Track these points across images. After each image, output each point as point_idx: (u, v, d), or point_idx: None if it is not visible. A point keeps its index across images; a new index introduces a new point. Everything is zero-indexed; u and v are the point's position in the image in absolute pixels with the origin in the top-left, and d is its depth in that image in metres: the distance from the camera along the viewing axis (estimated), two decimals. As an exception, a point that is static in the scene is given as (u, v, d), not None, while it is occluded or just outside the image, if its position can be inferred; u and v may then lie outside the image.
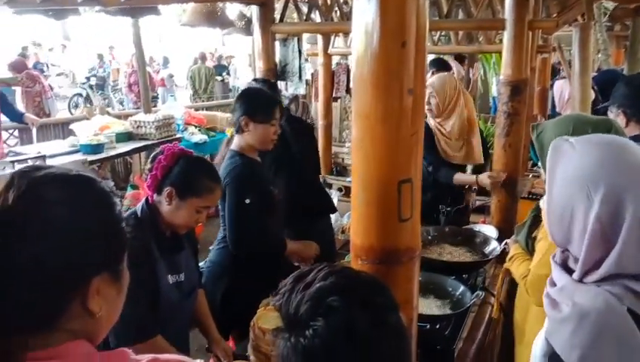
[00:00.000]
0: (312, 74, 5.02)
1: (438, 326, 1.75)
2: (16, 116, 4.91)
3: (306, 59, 4.15)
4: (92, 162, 4.46)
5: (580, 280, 0.90)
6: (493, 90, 7.95)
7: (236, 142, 2.17)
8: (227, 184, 2.03)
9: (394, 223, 1.12)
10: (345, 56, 5.17)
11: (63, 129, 6.09)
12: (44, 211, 0.63)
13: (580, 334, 0.85)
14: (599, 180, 0.86)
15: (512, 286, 1.96)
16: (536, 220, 1.72)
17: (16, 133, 5.88)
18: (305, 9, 3.53)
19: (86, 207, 0.67)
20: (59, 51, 15.85)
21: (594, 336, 0.84)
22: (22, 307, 0.62)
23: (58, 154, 4.47)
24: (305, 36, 4.07)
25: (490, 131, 4.61)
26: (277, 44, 3.19)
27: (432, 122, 2.74)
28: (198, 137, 5.60)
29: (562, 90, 6.00)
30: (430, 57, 4.22)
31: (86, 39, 18.65)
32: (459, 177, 2.74)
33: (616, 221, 0.84)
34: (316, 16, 3.55)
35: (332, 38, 4.46)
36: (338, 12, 3.76)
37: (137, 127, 5.14)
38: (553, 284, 0.96)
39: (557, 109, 6.11)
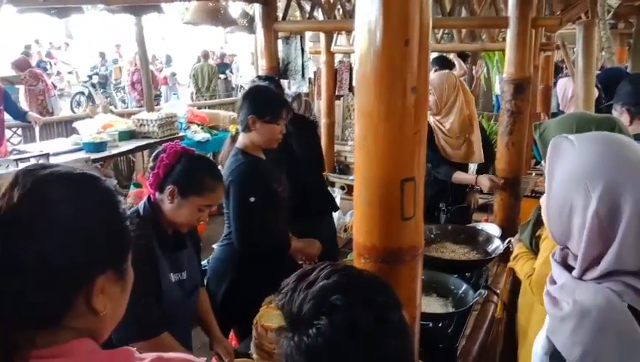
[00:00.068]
0: (315, 72, 5.02)
1: (440, 325, 1.75)
2: (19, 114, 4.92)
3: (309, 58, 4.14)
4: (95, 160, 4.47)
5: (580, 278, 0.90)
6: (496, 88, 7.93)
7: (241, 141, 2.17)
8: (231, 182, 2.03)
9: (397, 222, 1.11)
10: (347, 54, 5.17)
11: (66, 127, 6.11)
12: (49, 209, 0.63)
13: (581, 331, 0.85)
14: (597, 176, 0.86)
15: (515, 285, 1.96)
16: (540, 219, 1.71)
17: (19, 131, 5.91)
18: (307, 7, 3.53)
19: (91, 205, 0.68)
20: (62, 50, 15.86)
21: (595, 333, 0.84)
22: (27, 305, 0.62)
23: (61, 152, 4.49)
24: (307, 34, 4.06)
25: (493, 129, 4.60)
26: (280, 42, 3.19)
27: (431, 120, 2.73)
28: (201, 135, 5.61)
29: (566, 88, 5.97)
30: (433, 55, 4.21)
31: (89, 38, 18.68)
32: (458, 176, 2.73)
33: (614, 217, 0.84)
34: (319, 14, 3.54)
35: (335, 36, 4.45)
36: (341, 10, 3.76)
37: (140, 125, 5.16)
38: (553, 282, 0.96)
39: (560, 107, 6.08)
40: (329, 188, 3.37)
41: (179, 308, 1.65)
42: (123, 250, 0.72)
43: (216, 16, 5.60)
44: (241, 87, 12.59)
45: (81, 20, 15.69)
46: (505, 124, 2.63)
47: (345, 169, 4.64)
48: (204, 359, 0.77)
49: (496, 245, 2.22)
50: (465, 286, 1.89)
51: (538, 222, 1.74)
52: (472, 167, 3.15)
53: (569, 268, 0.94)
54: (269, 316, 1.53)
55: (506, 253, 2.05)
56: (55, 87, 9.65)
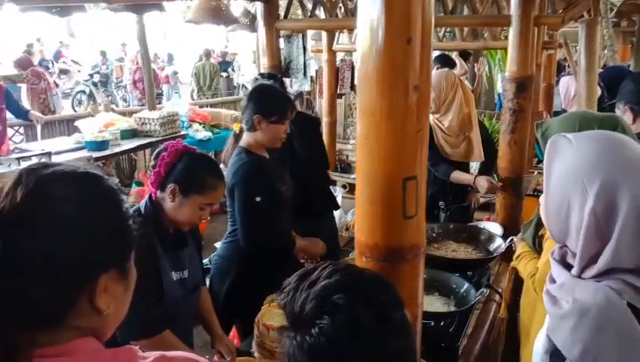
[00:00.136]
0: (317, 71, 5.02)
1: (442, 324, 1.75)
2: (21, 113, 4.93)
3: (311, 56, 4.15)
4: (97, 159, 4.48)
5: (579, 276, 0.90)
6: (499, 87, 7.92)
7: (245, 139, 2.16)
8: (235, 182, 2.03)
9: (399, 220, 1.11)
10: (349, 52, 5.16)
11: (68, 126, 6.12)
12: (52, 209, 0.63)
13: (581, 329, 0.85)
14: (595, 174, 0.86)
15: (518, 284, 1.96)
16: (543, 218, 1.72)
17: (21, 130, 5.92)
18: (309, 5, 3.52)
19: (94, 204, 0.67)
20: (64, 48, 15.86)
21: (595, 331, 0.84)
22: (30, 304, 0.62)
23: (63, 151, 4.50)
24: (309, 33, 4.06)
25: (495, 128, 4.60)
26: (281, 40, 3.19)
27: (430, 118, 2.73)
28: (203, 134, 5.61)
29: (568, 86, 5.97)
30: (435, 54, 4.20)
31: (91, 36, 18.69)
32: (456, 175, 2.72)
33: (611, 215, 0.85)
34: (321, 13, 3.53)
35: (336, 34, 4.45)
36: (342, 8, 3.75)
37: (142, 123, 5.16)
38: (553, 281, 0.97)
39: (563, 106, 6.07)
40: (330, 186, 3.37)
41: (180, 306, 1.65)
42: (126, 248, 0.72)
43: (218, 14, 5.60)
44: (243, 85, 12.59)
45: (82, 19, 15.69)
46: (507, 122, 2.63)
47: (346, 167, 4.64)
48: (206, 357, 0.77)
49: (498, 244, 2.22)
50: (467, 285, 1.88)
51: (541, 221, 1.74)
52: (475, 165, 3.14)
53: (568, 267, 0.94)
54: (271, 314, 1.53)
55: (508, 252, 2.05)
56: (57, 85, 9.64)
